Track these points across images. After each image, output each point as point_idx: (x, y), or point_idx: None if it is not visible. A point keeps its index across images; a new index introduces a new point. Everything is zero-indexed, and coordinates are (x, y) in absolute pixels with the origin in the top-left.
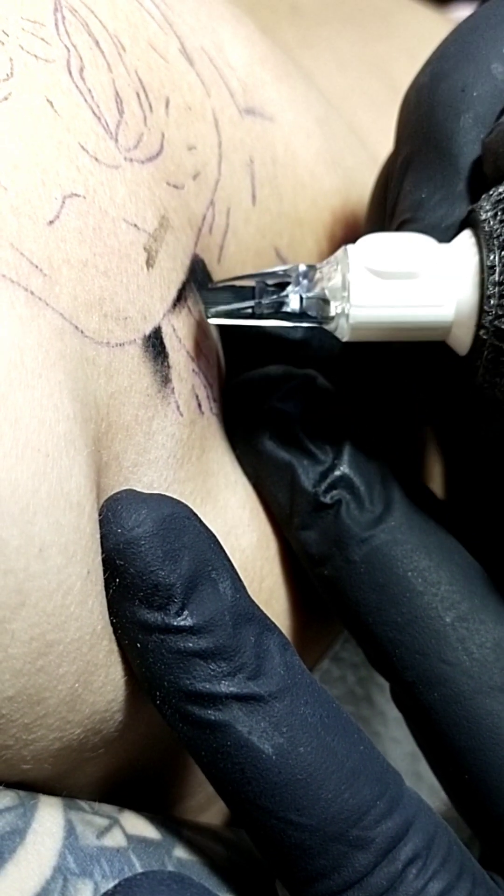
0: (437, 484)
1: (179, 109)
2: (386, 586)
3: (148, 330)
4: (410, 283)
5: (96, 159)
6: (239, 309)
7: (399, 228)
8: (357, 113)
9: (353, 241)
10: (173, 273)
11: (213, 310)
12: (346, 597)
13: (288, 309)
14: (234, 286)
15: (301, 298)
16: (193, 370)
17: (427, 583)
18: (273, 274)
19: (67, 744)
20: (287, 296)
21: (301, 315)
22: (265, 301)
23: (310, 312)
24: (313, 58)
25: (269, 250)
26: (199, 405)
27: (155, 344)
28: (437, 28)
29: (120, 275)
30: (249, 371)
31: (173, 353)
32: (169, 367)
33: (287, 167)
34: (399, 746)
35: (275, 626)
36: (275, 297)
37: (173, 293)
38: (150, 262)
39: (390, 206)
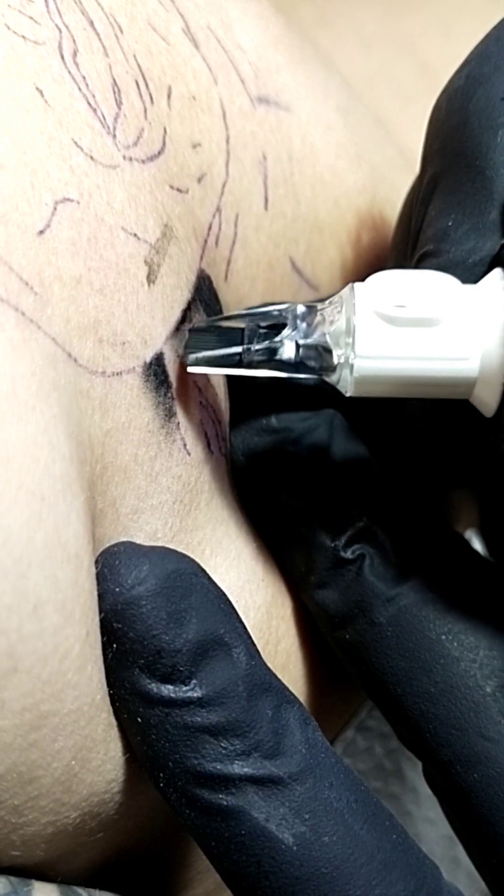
0: (472, 530)
1: (183, 100)
2: (416, 652)
3: (149, 356)
4: (428, 332)
5: (92, 158)
6: (224, 356)
7: (420, 262)
8: (383, 100)
9: (383, 247)
10: (177, 291)
11: (193, 355)
12: (371, 664)
13: (282, 357)
14: (219, 327)
15: (297, 345)
16: (201, 403)
17: (463, 647)
18: (266, 314)
19: (62, 828)
20: (281, 341)
21: (297, 365)
22: (256, 347)
23: (308, 362)
24: (333, 37)
25: (282, 261)
26: (209, 443)
27: (157, 372)
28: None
29: (118, 293)
30: (256, 408)
31: (178, 383)
32: (173, 398)
33: (304, 163)
34: (434, 828)
35: (294, 697)
36: (267, 342)
37: (177, 314)
38: (151, 278)
39: (413, 234)
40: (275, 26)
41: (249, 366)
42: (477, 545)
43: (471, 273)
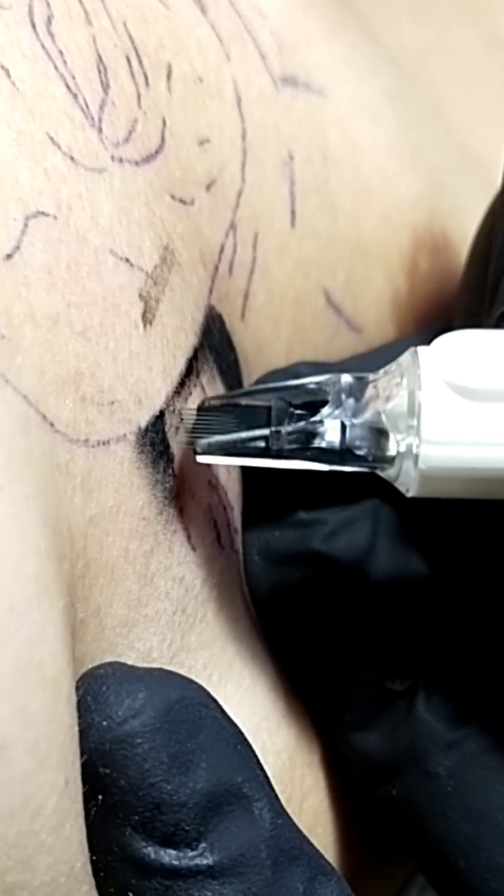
0: None
1: (186, 82)
2: (486, 813)
3: (144, 420)
4: None
5: (72, 159)
6: (245, 440)
7: (501, 321)
8: (440, 83)
9: (446, 276)
10: (180, 334)
11: (205, 441)
12: (426, 828)
13: (322, 443)
14: (238, 405)
15: (343, 427)
16: (210, 482)
17: None
18: (300, 388)
19: None
20: (321, 422)
21: (342, 453)
22: (287, 430)
23: (356, 450)
24: (377, 3)
25: (314, 295)
26: (219, 535)
27: (154, 441)
28: None
29: (105, 336)
30: (278, 494)
31: (181, 456)
32: (174, 476)
33: (344, 165)
34: None
35: (332, 868)
36: (302, 423)
37: (180, 365)
38: (147, 318)
39: (493, 278)
40: None
41: (279, 455)
42: None
43: None
